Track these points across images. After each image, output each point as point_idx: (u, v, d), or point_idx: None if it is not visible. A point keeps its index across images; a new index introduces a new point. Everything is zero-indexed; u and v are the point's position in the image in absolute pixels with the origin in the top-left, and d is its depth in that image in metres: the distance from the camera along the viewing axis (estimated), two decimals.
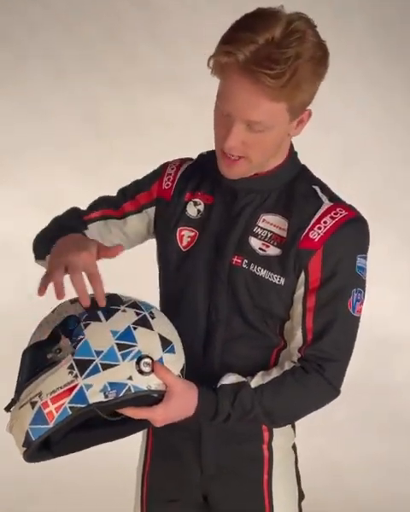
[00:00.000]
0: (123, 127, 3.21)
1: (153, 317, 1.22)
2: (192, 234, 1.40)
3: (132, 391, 1.14)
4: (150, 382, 1.17)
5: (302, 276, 1.30)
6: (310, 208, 1.32)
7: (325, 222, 1.29)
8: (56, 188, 3.22)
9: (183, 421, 1.27)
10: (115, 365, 1.14)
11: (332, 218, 1.30)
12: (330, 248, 1.29)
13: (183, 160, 1.50)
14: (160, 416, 1.21)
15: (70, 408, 1.11)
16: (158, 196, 1.47)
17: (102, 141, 3.21)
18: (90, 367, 1.12)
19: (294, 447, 1.48)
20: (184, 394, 1.24)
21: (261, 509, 1.42)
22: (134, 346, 1.15)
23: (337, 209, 1.31)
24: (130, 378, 1.14)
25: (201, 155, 1.47)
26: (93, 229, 1.45)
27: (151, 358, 1.16)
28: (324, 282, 1.30)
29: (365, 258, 1.34)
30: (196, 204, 1.41)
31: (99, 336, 1.15)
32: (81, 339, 1.14)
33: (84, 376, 1.12)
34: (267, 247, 1.32)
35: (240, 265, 1.33)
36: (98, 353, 1.13)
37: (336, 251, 1.29)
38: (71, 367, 1.13)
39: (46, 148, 3.21)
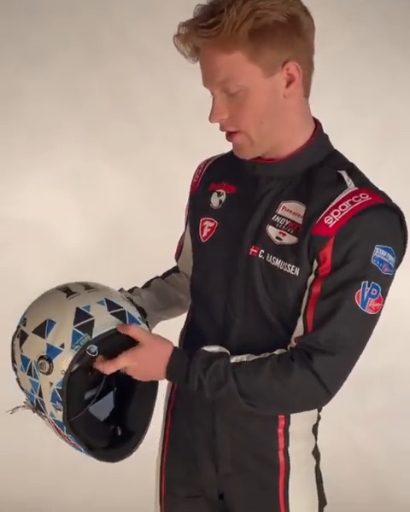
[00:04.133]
0: (156, 108, 3.14)
1: (24, 324, 1.30)
2: (212, 224, 1.36)
3: (60, 387, 1.22)
4: (61, 367, 1.22)
5: (315, 263, 1.21)
6: (331, 193, 1.21)
7: (343, 207, 1.18)
8: (88, 169, 3.17)
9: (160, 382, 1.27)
10: (39, 385, 1.25)
11: (352, 203, 1.18)
12: (343, 235, 1.17)
13: (215, 156, 1.48)
14: (127, 360, 1.21)
15: (67, 432, 1.26)
16: (191, 193, 1.46)
17: (135, 122, 3.14)
18: (40, 404, 1.28)
19: (314, 452, 1.40)
20: (154, 343, 1.24)
21: None
22: (29, 360, 1.27)
23: (361, 194, 1.19)
24: (50, 384, 1.23)
25: None
26: (181, 261, 1.58)
27: (43, 357, 1.23)
28: (332, 271, 1.19)
29: (388, 250, 1.19)
30: (219, 194, 1.37)
31: (23, 380, 1.31)
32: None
33: (45, 412, 1.28)
34: (284, 235, 1.24)
35: (256, 256, 1.26)
36: (32, 391, 1.28)
37: (350, 238, 1.17)
38: (39, 414, 1.31)
39: (78, 129, 3.14)
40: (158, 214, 3.16)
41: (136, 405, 1.32)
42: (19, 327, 1.33)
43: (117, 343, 1.23)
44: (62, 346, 1.22)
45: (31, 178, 3.17)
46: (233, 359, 1.23)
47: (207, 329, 1.35)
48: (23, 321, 1.31)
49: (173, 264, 1.66)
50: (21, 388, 1.33)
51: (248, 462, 1.35)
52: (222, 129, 1.24)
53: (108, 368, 1.21)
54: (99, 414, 1.32)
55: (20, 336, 1.30)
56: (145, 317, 1.43)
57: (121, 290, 1.49)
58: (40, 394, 1.26)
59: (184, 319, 1.52)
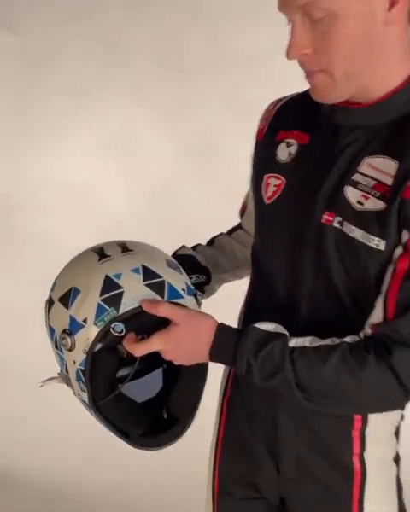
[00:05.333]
0: (204, 65, 3.00)
1: (53, 288, 1.15)
2: (278, 182, 1.11)
3: (82, 368, 1.06)
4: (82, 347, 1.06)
5: (405, 234, 0.97)
6: None
7: None
8: (133, 130, 3.06)
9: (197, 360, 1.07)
10: (65, 361, 1.10)
11: None
12: None
13: (287, 96, 1.21)
14: (161, 342, 1.03)
15: (96, 416, 1.12)
16: (256, 142, 1.21)
17: (182, 81, 3.02)
18: (69, 380, 1.13)
19: (396, 458, 1.19)
20: (192, 320, 1.05)
21: None
22: (54, 332, 1.12)
23: None
24: (74, 362, 1.08)
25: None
26: (245, 220, 1.37)
27: (65, 331, 1.07)
28: None
29: None
30: (288, 145, 1.12)
31: (54, 352, 1.17)
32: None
33: (73, 390, 1.14)
34: (367, 199, 0.99)
35: (330, 224, 1.02)
36: (60, 365, 1.14)
37: None
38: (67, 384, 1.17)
39: (122, 88, 3.03)
40: (206, 178, 3.03)
41: (181, 388, 1.16)
42: (49, 292, 1.17)
43: (152, 320, 1.04)
44: (85, 320, 1.05)
45: (74, 139, 3.09)
46: (292, 342, 1.02)
47: (269, 309, 1.14)
48: (53, 285, 1.15)
49: (220, 229, 1.48)
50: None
51: (316, 465, 1.15)
52: (303, 67, 1.00)
53: (139, 350, 1.04)
54: (142, 393, 1.18)
55: (48, 302, 1.14)
56: (209, 278, 1.30)
57: (183, 248, 1.34)
58: (66, 370, 1.11)
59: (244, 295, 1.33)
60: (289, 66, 1.12)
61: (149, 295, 1.05)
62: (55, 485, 2.64)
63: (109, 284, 1.05)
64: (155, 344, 1.04)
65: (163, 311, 1.04)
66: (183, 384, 1.16)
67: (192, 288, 1.15)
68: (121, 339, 1.05)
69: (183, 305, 1.08)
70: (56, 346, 1.11)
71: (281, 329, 1.05)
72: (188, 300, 1.10)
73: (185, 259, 1.27)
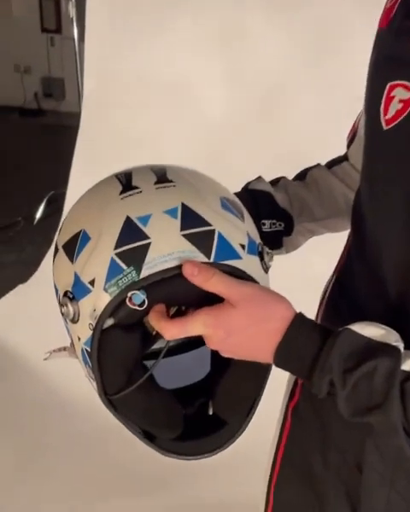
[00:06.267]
0: None
1: (60, 229, 0.86)
2: (408, 95, 0.71)
3: (88, 348, 0.78)
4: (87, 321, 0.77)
5: None
6: None
7: None
8: (240, 24, 2.72)
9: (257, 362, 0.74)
10: (70, 333, 0.83)
11: None
12: None
13: None
14: (206, 327, 0.71)
15: (112, 413, 0.84)
16: (378, 32, 0.80)
17: None
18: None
19: None
20: (255, 303, 0.71)
21: None
22: (57, 291, 0.84)
23: None
24: (78, 339, 0.80)
25: None
26: (354, 150, 1.01)
27: (67, 293, 0.78)
28: None
29: None
30: None
31: None
32: None
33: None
34: None
35: None
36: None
37: None
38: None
39: None
40: (324, 82, 2.67)
41: (236, 376, 0.83)
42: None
43: (190, 287, 0.73)
44: (92, 282, 0.75)
45: (172, 32, 2.82)
46: (408, 364, 0.67)
47: (369, 297, 0.80)
48: (61, 225, 0.85)
49: (334, 153, 1.08)
50: None
51: None
52: None
53: (170, 332, 0.72)
54: (180, 378, 0.87)
55: (55, 249, 0.85)
56: (290, 227, 0.98)
57: (257, 180, 1.00)
58: (72, 344, 0.84)
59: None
60: None
61: (188, 252, 0.73)
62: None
63: (131, 231, 0.74)
64: (195, 326, 0.72)
65: (215, 285, 0.70)
66: (239, 371, 0.82)
67: (257, 243, 0.79)
68: (143, 313, 0.73)
69: (241, 272, 0.74)
70: (61, 312, 0.81)
71: (393, 339, 0.68)
72: (247, 262, 0.75)
73: (258, 198, 0.94)
